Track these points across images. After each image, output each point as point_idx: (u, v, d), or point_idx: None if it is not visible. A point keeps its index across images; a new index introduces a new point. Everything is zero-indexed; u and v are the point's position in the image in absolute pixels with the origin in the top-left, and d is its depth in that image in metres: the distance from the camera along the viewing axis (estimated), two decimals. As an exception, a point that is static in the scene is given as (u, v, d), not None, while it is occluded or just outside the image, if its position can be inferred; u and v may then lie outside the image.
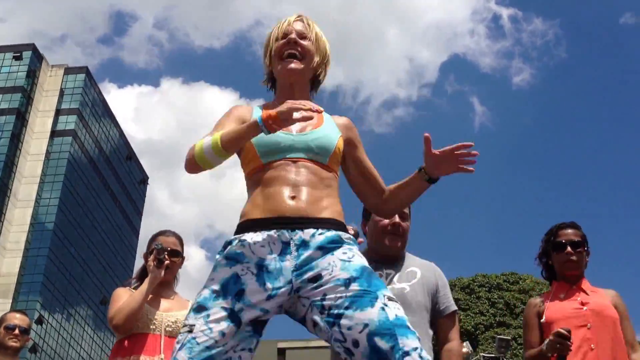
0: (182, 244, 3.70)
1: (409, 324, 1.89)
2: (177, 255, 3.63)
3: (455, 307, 2.98)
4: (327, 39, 2.45)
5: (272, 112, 2.03)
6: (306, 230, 2.06)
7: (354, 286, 1.94)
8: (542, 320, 3.19)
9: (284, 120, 2.01)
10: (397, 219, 2.95)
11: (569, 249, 3.29)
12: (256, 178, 2.22)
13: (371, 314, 1.88)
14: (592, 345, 3.04)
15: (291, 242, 2.05)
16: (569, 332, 2.90)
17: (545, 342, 2.98)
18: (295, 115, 2.01)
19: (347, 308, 1.91)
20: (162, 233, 3.66)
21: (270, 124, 2.02)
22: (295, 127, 2.25)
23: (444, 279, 3.00)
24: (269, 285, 2.00)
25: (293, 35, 2.36)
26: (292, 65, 2.34)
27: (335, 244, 2.06)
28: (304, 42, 2.37)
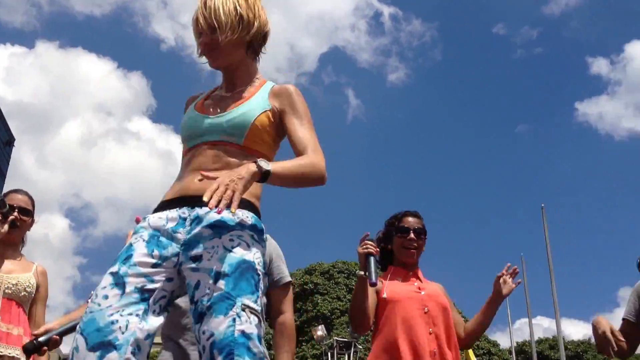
0: (33, 205, 3.55)
1: (251, 344, 1.82)
2: (27, 214, 3.49)
3: (290, 279, 2.94)
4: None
5: None
6: (205, 207, 1.96)
7: (220, 284, 1.87)
8: (383, 296, 3.21)
9: None
10: None
11: (412, 234, 3.36)
12: (182, 163, 2.22)
13: (220, 324, 1.82)
14: (430, 330, 3.11)
15: (188, 217, 2.01)
16: None
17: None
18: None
19: (207, 309, 1.85)
20: (13, 191, 3.52)
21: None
22: (214, 109, 2.20)
23: (279, 250, 2.95)
24: (156, 252, 1.96)
25: (204, 39, 2.21)
26: (211, 63, 2.25)
27: (228, 226, 1.97)
28: (214, 36, 2.18)
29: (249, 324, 1.84)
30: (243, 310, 1.84)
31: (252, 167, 1.91)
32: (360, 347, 28.47)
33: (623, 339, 2.93)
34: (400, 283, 3.29)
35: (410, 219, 3.45)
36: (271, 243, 2.94)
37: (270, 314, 2.87)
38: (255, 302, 1.90)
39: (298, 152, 2.17)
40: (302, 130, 2.19)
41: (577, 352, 38.07)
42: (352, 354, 27.14)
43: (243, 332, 1.82)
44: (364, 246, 3.11)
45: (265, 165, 1.92)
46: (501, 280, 3.33)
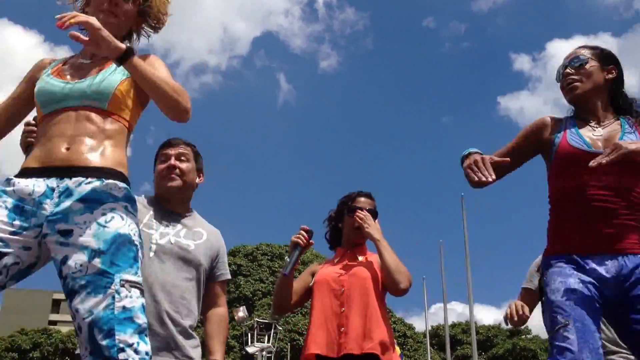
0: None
1: (134, 317, 1.83)
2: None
3: (229, 276, 3.02)
4: None
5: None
6: (74, 179, 1.96)
7: (96, 262, 1.84)
8: (310, 285, 3.30)
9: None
10: (172, 160, 2.90)
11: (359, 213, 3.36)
12: (40, 129, 2.13)
13: (99, 304, 1.80)
14: (342, 309, 3.16)
15: (56, 189, 1.96)
16: None
17: None
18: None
19: (82, 287, 1.83)
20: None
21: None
22: (73, 75, 2.16)
23: (224, 248, 3.02)
24: (17, 223, 1.91)
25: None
26: (105, 22, 2.13)
27: (100, 200, 1.94)
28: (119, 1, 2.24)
29: (130, 298, 1.84)
30: (122, 285, 1.83)
31: (120, 45, 1.95)
32: (281, 328, 28.64)
33: (528, 314, 3.34)
34: (330, 266, 3.34)
35: (362, 199, 3.45)
36: (221, 240, 3.00)
37: (204, 305, 2.91)
38: (135, 274, 1.89)
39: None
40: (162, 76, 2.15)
41: (488, 337, 39.37)
42: (272, 335, 27.26)
43: (124, 307, 1.82)
44: (297, 236, 3.21)
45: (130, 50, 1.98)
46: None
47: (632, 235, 2.41)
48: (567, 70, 2.64)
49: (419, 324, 41.51)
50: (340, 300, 3.19)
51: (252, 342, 26.78)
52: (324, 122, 65.67)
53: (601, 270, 2.36)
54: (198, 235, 2.89)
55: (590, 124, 2.57)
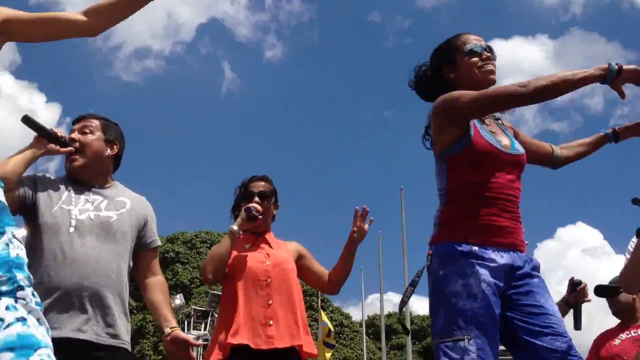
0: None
1: (25, 266, 1.80)
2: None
3: (159, 243, 2.93)
4: None
5: None
6: None
7: None
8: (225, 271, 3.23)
9: None
10: (74, 134, 2.79)
11: (256, 199, 3.29)
12: None
13: None
14: (269, 301, 3.12)
15: None
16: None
17: None
18: None
19: None
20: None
21: None
22: None
23: (153, 214, 2.91)
24: None
25: None
26: None
27: None
28: None
29: (21, 250, 1.83)
30: (14, 237, 1.83)
31: None
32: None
33: None
34: (247, 252, 3.25)
35: (256, 183, 3.38)
36: (148, 206, 2.90)
37: (139, 275, 2.85)
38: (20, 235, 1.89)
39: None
40: None
41: (423, 327, 40.04)
42: (209, 323, 27.13)
43: (18, 255, 1.81)
44: (250, 205, 3.19)
45: None
46: (355, 229, 3.39)
47: (520, 232, 2.49)
48: (487, 54, 2.66)
49: (356, 314, 41.99)
50: (266, 291, 3.15)
51: (188, 329, 26.63)
52: (268, 112, 65.44)
53: (499, 261, 2.37)
54: (121, 204, 2.79)
55: (485, 121, 2.61)
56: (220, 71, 61.17)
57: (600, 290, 4.40)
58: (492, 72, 2.63)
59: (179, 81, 61.40)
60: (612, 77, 2.29)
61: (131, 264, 2.80)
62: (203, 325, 26.95)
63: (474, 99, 2.43)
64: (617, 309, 4.38)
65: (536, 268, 2.48)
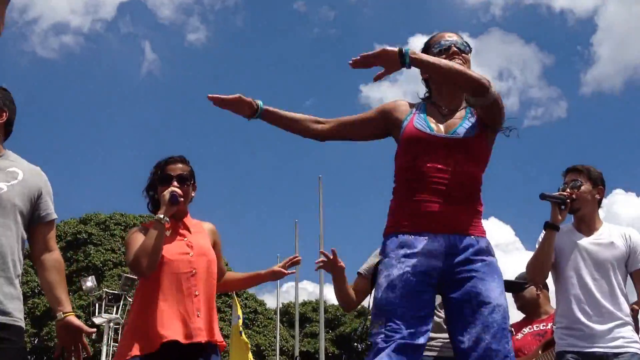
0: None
1: None
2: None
3: (55, 216, 2.76)
4: None
5: None
6: None
7: None
8: None
9: None
10: None
11: (175, 182, 3.19)
12: None
13: None
14: (196, 292, 3.06)
15: None
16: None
17: None
18: None
19: None
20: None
21: None
22: None
23: (49, 186, 2.75)
24: None
25: None
26: None
27: None
28: None
29: None
30: None
31: None
32: (130, 300, 27.96)
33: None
34: (170, 242, 3.15)
35: (173, 165, 3.26)
36: (42, 177, 2.74)
37: (34, 251, 2.70)
38: None
39: None
40: None
41: (336, 315, 40.51)
42: (121, 307, 26.57)
43: None
44: (174, 191, 3.12)
45: None
46: (277, 268, 3.55)
47: (465, 217, 2.53)
48: (455, 49, 2.69)
49: (271, 301, 42.02)
50: (192, 283, 3.08)
51: (99, 312, 25.98)
52: (188, 96, 64.15)
53: (432, 245, 2.44)
54: (12, 175, 2.61)
55: (441, 110, 2.67)
56: (140, 51, 59.61)
57: (507, 286, 4.56)
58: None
59: (98, 59, 59.44)
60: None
61: (25, 237, 2.64)
62: (115, 309, 26.31)
63: None
64: (521, 304, 4.54)
65: (482, 251, 2.52)
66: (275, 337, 30.33)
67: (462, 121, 2.63)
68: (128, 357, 2.94)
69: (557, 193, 3.64)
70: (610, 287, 3.57)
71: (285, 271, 3.55)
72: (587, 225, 3.74)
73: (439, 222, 2.48)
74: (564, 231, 3.72)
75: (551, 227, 3.60)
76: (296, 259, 3.57)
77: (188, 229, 3.25)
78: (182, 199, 3.14)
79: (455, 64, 2.53)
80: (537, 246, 3.68)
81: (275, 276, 3.56)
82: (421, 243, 2.44)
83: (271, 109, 2.80)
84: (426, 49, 2.78)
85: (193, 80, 65.89)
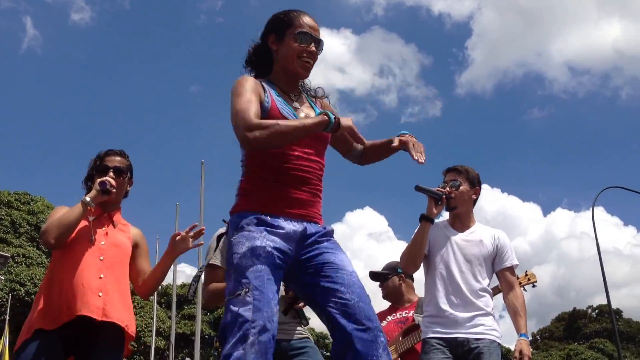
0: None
1: None
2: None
3: None
4: None
5: None
6: None
7: None
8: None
9: None
10: None
11: (111, 173, 3.25)
12: None
13: None
14: (100, 275, 3.07)
15: None
16: None
17: None
18: None
19: None
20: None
21: None
22: None
23: None
24: None
25: None
26: None
27: None
28: None
29: None
30: None
31: None
32: (2, 277, 26.71)
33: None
34: (91, 224, 3.17)
35: (111, 157, 3.31)
36: None
37: None
38: None
39: None
40: None
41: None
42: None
43: None
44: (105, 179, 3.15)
45: None
46: (178, 238, 3.37)
47: (317, 205, 2.57)
48: (313, 49, 2.63)
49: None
50: (98, 266, 3.09)
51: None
52: (71, 75, 61.26)
53: (288, 228, 2.43)
54: None
55: (291, 96, 2.64)
56: (21, 27, 56.54)
57: (373, 276, 4.78)
58: (308, 69, 2.65)
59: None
60: (333, 127, 2.40)
61: None
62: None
63: (247, 126, 2.36)
64: (386, 293, 4.76)
65: (329, 234, 2.55)
66: (151, 319, 29.82)
67: (316, 111, 2.64)
68: (31, 332, 2.98)
69: (435, 188, 3.76)
70: (475, 281, 3.74)
71: (190, 243, 3.38)
72: (461, 222, 3.90)
73: (298, 210, 2.50)
74: (439, 226, 3.88)
75: (426, 219, 3.72)
76: (199, 228, 3.40)
77: (112, 223, 3.27)
78: (114, 190, 3.19)
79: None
80: (412, 237, 3.79)
81: (178, 246, 3.36)
82: (281, 224, 2.44)
83: None
84: (285, 23, 2.65)
85: (76, 60, 63.12)
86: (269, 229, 2.40)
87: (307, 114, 2.62)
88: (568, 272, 64.51)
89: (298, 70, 2.64)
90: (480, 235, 3.86)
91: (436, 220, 3.82)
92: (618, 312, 47.90)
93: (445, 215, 3.98)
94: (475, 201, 3.94)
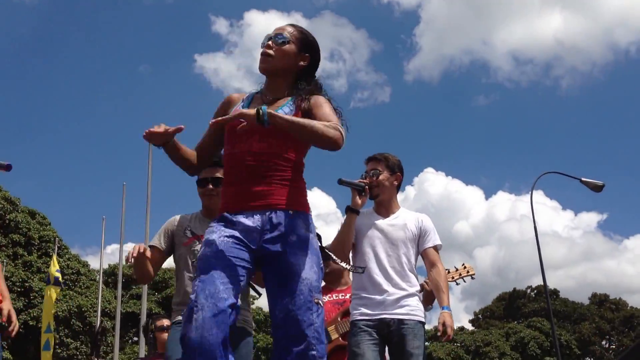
0: None
1: None
2: None
3: None
4: None
5: None
6: None
7: None
8: None
9: None
10: None
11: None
12: None
13: None
14: None
15: None
16: None
17: None
18: None
19: None
20: None
21: None
22: None
23: None
24: None
25: None
26: None
27: None
28: None
29: None
30: None
31: None
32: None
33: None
34: None
35: None
36: None
37: None
38: None
39: None
40: None
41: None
42: None
43: None
44: None
45: None
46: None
47: (281, 193, 2.59)
48: (269, 43, 2.72)
49: (95, 263, 40.58)
50: None
51: None
52: (10, 54, 58.96)
53: (248, 222, 2.54)
54: None
55: (265, 98, 2.72)
56: (-38, 3, 54.36)
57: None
58: (261, 66, 2.76)
59: None
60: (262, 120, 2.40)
61: None
62: None
63: None
64: (327, 272, 4.70)
65: (296, 226, 2.58)
66: (97, 299, 29.37)
67: (280, 107, 2.66)
68: None
69: (357, 180, 3.85)
70: (400, 263, 3.85)
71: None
72: (385, 208, 4.01)
73: (254, 200, 2.57)
74: (364, 214, 3.97)
75: (352, 210, 3.83)
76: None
77: None
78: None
79: (314, 123, 2.50)
80: (339, 228, 3.87)
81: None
82: (240, 220, 2.55)
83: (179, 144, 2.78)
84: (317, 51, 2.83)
85: (21, 38, 60.98)
86: (227, 224, 2.55)
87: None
88: (508, 253, 65.91)
89: (259, 62, 2.75)
90: (404, 219, 3.97)
91: (363, 209, 3.90)
92: (555, 292, 49.28)
93: (371, 203, 4.06)
94: (398, 187, 4.04)
